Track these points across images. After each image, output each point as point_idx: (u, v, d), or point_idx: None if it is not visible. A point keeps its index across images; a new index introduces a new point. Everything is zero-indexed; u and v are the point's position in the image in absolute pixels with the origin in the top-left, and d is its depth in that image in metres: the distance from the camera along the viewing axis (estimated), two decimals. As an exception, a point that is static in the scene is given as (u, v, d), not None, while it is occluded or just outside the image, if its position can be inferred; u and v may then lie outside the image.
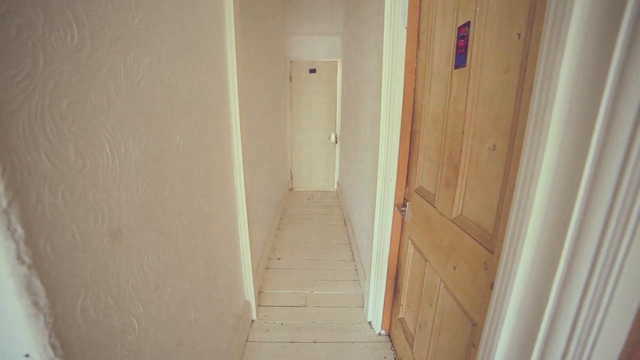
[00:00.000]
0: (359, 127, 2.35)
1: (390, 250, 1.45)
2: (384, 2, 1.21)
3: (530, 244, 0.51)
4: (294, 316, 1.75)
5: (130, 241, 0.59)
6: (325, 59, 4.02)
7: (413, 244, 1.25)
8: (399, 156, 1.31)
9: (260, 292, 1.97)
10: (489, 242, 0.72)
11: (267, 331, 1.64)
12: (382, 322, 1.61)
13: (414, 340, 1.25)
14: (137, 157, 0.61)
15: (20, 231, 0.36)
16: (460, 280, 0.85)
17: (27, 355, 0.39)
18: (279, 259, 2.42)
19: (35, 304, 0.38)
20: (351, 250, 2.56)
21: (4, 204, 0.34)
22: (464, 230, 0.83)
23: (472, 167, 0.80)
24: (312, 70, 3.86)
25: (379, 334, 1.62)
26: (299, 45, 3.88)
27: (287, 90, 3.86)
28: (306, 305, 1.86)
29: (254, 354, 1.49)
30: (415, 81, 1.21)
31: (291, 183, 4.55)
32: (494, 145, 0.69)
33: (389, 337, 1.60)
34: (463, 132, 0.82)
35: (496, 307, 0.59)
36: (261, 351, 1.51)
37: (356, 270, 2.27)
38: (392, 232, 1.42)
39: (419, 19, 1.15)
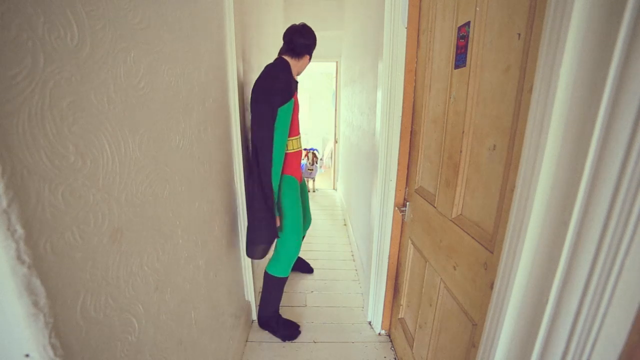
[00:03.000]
0: (358, 128, 2.35)
1: (390, 250, 1.45)
2: (383, 2, 1.21)
3: (530, 244, 0.51)
4: (294, 316, 1.75)
5: (130, 241, 0.59)
6: (324, 60, 4.02)
7: (413, 244, 1.25)
8: (399, 156, 1.31)
9: (260, 292, 1.97)
10: (489, 242, 0.72)
11: (267, 331, 1.64)
12: (382, 322, 1.61)
13: (414, 340, 1.25)
14: (137, 157, 0.61)
15: (20, 231, 0.36)
16: (460, 280, 0.85)
17: (27, 355, 0.39)
18: (279, 259, 2.42)
19: (35, 304, 0.38)
20: (351, 250, 2.56)
21: (4, 204, 0.34)
22: (464, 230, 0.83)
23: (472, 167, 0.80)
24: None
25: (379, 334, 1.62)
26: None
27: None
28: (306, 305, 1.86)
29: (254, 354, 1.49)
30: (415, 81, 1.21)
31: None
32: (494, 145, 0.69)
33: (389, 337, 1.60)
34: (463, 132, 0.82)
35: (496, 307, 0.59)
36: (261, 351, 1.51)
37: (356, 270, 2.27)
38: (392, 232, 1.42)
39: (419, 18, 1.15)
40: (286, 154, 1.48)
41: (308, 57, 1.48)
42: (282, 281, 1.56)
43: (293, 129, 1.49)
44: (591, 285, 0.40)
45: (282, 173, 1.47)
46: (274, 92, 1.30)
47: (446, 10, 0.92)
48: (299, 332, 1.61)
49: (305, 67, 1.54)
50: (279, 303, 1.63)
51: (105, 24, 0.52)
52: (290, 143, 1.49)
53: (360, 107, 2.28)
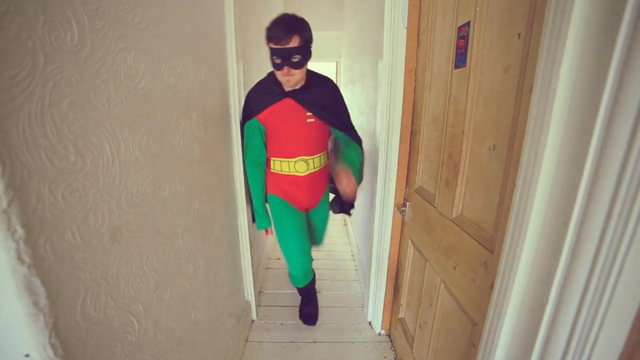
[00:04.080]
0: (358, 128, 2.35)
1: (390, 250, 1.45)
2: (383, 2, 1.21)
3: (530, 244, 0.51)
4: (294, 316, 1.75)
5: (130, 241, 0.59)
6: (324, 60, 4.02)
7: (413, 244, 1.25)
8: (399, 156, 1.31)
9: (260, 292, 1.97)
10: (489, 242, 0.72)
11: (267, 331, 1.64)
12: (382, 322, 1.61)
13: (414, 340, 1.25)
14: (137, 157, 0.61)
15: (20, 231, 0.36)
16: (460, 280, 0.85)
17: (27, 355, 0.39)
18: (279, 258, 2.42)
19: (35, 304, 0.38)
20: (351, 250, 2.56)
21: (4, 204, 0.34)
22: (464, 230, 0.83)
23: (472, 167, 0.80)
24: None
25: (379, 334, 1.62)
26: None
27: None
28: (306, 305, 1.86)
29: (254, 354, 1.49)
30: (415, 81, 1.21)
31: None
32: (494, 145, 0.69)
33: (389, 337, 1.60)
34: (463, 132, 0.82)
35: (496, 307, 0.59)
36: (261, 351, 1.51)
37: (356, 270, 2.27)
38: (392, 232, 1.42)
39: (419, 19, 1.15)
40: (271, 172, 1.39)
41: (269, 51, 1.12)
42: (297, 289, 1.64)
43: (275, 149, 1.32)
44: (591, 285, 0.40)
45: (267, 192, 1.44)
46: (243, 108, 1.33)
47: (446, 10, 0.92)
48: (311, 322, 1.66)
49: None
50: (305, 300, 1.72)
51: (105, 24, 0.52)
52: (273, 163, 1.36)
53: (360, 107, 2.28)
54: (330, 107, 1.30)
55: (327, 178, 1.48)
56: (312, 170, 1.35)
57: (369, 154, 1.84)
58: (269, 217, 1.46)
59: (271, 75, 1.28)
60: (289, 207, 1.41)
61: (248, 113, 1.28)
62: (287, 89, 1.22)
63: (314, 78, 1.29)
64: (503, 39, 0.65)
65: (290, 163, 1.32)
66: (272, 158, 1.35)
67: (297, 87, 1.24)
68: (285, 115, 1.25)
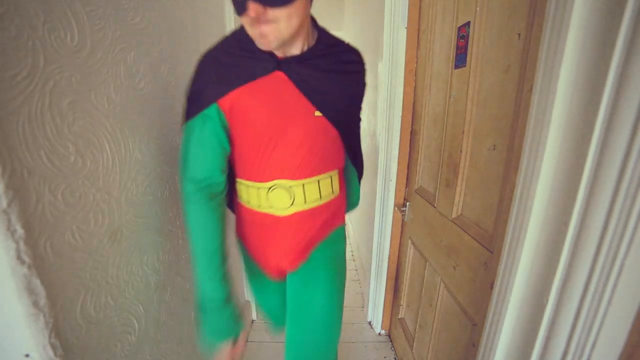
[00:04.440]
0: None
1: (390, 250, 1.45)
2: (383, 2, 1.21)
3: (530, 244, 0.51)
4: (294, 316, 1.75)
5: (130, 241, 0.59)
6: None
7: (413, 244, 1.25)
8: (399, 156, 1.31)
9: (260, 292, 1.97)
10: (489, 242, 0.72)
11: (267, 331, 1.64)
12: (382, 322, 1.61)
13: (414, 340, 1.25)
14: (137, 157, 0.61)
15: (20, 231, 0.36)
16: (460, 280, 0.85)
17: (27, 355, 0.39)
18: (279, 259, 2.41)
19: (35, 304, 0.38)
20: (351, 250, 2.56)
21: (4, 204, 0.34)
22: (464, 230, 0.83)
23: (472, 167, 0.80)
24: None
25: (379, 334, 1.62)
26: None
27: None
28: (306, 305, 1.86)
29: (254, 354, 1.49)
30: (415, 81, 1.21)
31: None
32: (494, 145, 0.69)
33: (389, 337, 1.60)
34: (463, 132, 0.82)
35: (496, 307, 0.59)
36: (261, 351, 1.51)
37: (356, 270, 2.27)
38: (392, 232, 1.42)
39: (419, 19, 1.15)
40: (237, 202, 0.77)
41: None
42: None
43: (239, 164, 0.69)
44: (591, 285, 0.40)
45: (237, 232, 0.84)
46: (189, 92, 0.65)
47: (446, 10, 0.92)
48: None
49: (250, 21, 0.51)
50: None
51: (105, 24, 0.52)
52: (238, 186, 0.73)
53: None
54: (347, 100, 0.74)
55: (335, 216, 0.78)
56: (302, 208, 0.70)
57: (368, 154, 1.84)
58: (234, 318, 0.78)
59: (229, 38, 0.65)
60: (261, 275, 0.85)
61: (200, 97, 0.62)
62: (278, 54, 0.61)
63: (332, 41, 0.68)
64: (503, 39, 0.65)
65: (260, 191, 0.68)
66: (236, 179, 0.73)
67: (295, 51, 0.62)
68: (274, 102, 0.63)
